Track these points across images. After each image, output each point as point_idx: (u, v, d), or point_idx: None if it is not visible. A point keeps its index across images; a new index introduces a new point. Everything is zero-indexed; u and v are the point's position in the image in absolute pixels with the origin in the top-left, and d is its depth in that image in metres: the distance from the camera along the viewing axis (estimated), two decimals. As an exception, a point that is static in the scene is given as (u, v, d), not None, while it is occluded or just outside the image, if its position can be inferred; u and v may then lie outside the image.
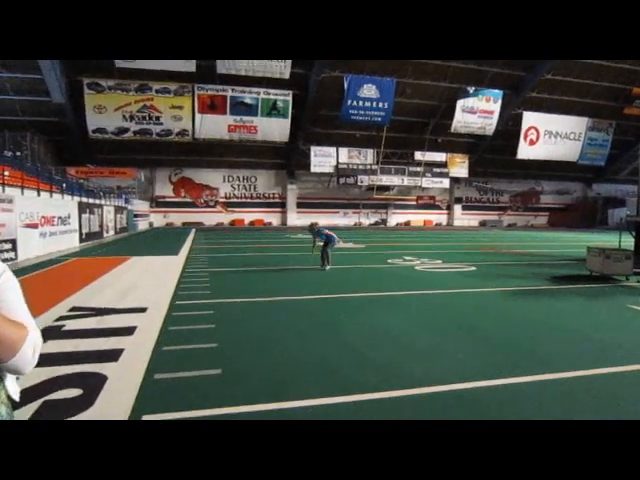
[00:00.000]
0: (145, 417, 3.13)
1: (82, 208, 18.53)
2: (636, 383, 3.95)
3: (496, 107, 36.83)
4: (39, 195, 15.06)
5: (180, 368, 4.10)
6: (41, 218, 13.93)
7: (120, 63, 28.50)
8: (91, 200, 21.21)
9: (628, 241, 11.49)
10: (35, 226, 13.51)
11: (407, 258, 13.76)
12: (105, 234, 22.49)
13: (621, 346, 5.05)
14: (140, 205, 35.70)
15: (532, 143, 39.89)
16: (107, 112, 31.91)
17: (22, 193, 13.56)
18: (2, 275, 1.29)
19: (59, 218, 15.69)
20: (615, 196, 46.97)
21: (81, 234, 18.26)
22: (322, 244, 11.13)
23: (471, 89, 35.66)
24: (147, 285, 8.71)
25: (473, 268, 11.70)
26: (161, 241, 21.54)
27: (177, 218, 40.73)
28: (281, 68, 30.58)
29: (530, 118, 38.87)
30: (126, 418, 3.10)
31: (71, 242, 16.99)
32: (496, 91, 36.35)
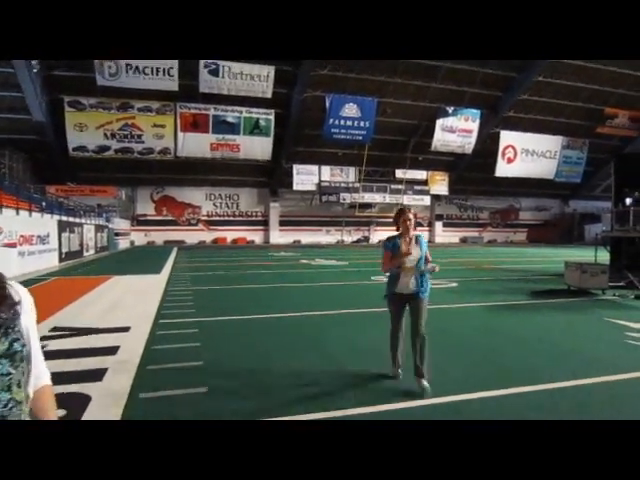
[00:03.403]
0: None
1: (62, 227, 18.28)
2: (615, 394, 4.06)
3: (475, 126, 37.65)
4: (18, 214, 14.84)
5: (165, 387, 4.07)
6: (20, 237, 13.70)
7: (101, 81, 28.46)
8: (71, 219, 20.94)
9: (603, 256, 11.80)
10: (14, 245, 13.29)
11: (390, 275, 13.85)
12: (85, 253, 22.17)
13: (600, 358, 5.18)
14: (121, 224, 35.31)
15: (510, 161, 40.78)
16: (88, 130, 31.69)
17: (0, 212, 13.36)
18: (31, 309, 1.25)
19: (38, 237, 15.45)
20: (591, 212, 48.08)
21: (61, 253, 17.98)
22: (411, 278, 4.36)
23: (450, 109, 36.44)
24: (129, 304, 8.62)
25: (454, 284, 11.85)
26: (143, 260, 21.32)
27: (159, 237, 40.35)
28: (263, 87, 30.88)
29: (507, 137, 39.81)
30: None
31: (50, 261, 16.72)
32: (474, 111, 37.20)
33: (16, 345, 1.15)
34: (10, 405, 1.12)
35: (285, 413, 3.51)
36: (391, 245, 4.38)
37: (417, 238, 4.40)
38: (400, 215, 4.39)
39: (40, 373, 1.31)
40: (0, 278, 1.22)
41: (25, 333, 1.20)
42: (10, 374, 1.12)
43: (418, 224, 46.80)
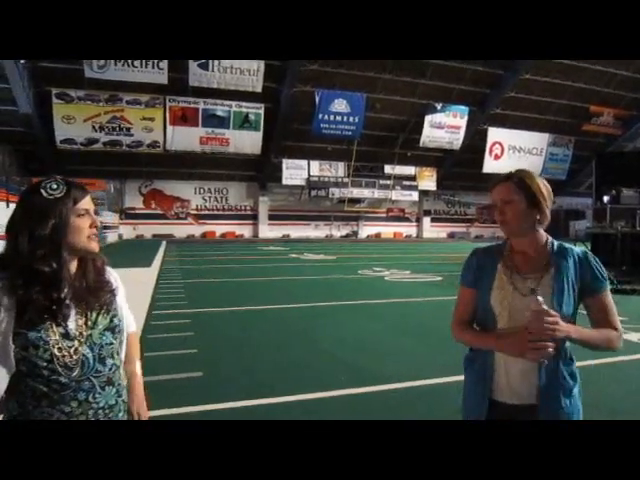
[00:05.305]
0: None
1: (51, 220, 18.26)
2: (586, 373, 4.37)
3: (462, 123, 38.06)
4: (8, 207, 14.86)
5: (162, 372, 4.30)
6: (10, 230, 13.75)
7: (90, 73, 28.30)
8: (60, 212, 20.88)
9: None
10: (4, 238, 13.33)
11: (377, 269, 14.16)
12: (74, 246, 22.10)
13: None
14: (109, 217, 35.22)
15: (497, 158, 41.32)
16: (76, 122, 31.49)
17: (-9, 205, 13.42)
18: (121, 287, 1.54)
19: (28, 230, 15.48)
20: (576, 209, 48.87)
21: (50, 246, 17.97)
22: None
23: (439, 105, 36.79)
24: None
25: (439, 278, 12.17)
26: (132, 253, 21.37)
27: (147, 230, 40.26)
28: (253, 81, 30.92)
29: (495, 134, 40.33)
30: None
31: (40, 254, 16.72)
32: (462, 107, 37.59)
33: (115, 320, 1.42)
34: (113, 369, 1.36)
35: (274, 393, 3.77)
36: (471, 270, 1.85)
37: (554, 254, 1.71)
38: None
39: (129, 321, 1.60)
40: (103, 268, 1.50)
41: (119, 310, 1.47)
42: (112, 343, 1.38)
43: (406, 219, 48.03)
